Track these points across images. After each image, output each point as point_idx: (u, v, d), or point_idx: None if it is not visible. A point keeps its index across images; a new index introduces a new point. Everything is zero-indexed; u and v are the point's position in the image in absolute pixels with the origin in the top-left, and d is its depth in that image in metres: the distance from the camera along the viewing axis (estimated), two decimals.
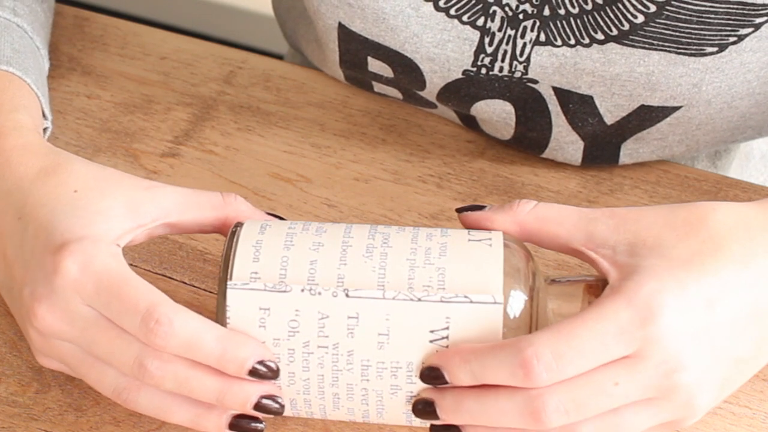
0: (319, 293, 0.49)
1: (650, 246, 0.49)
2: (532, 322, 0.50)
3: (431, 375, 0.49)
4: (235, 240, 0.51)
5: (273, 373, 0.49)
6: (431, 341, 0.49)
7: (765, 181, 0.81)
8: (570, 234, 0.51)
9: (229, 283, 0.50)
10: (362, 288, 0.49)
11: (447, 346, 0.49)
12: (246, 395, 0.50)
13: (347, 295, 0.49)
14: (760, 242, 0.50)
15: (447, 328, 0.49)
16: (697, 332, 0.48)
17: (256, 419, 0.51)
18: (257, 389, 0.50)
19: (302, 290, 0.49)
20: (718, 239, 0.50)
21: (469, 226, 0.54)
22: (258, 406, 0.50)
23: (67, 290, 0.50)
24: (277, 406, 0.50)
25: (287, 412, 0.52)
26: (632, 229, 0.50)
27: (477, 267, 0.50)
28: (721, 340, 0.49)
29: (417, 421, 0.51)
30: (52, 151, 0.56)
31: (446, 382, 0.49)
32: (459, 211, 0.54)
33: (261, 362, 0.49)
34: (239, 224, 0.52)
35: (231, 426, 0.51)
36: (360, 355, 0.49)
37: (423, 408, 0.50)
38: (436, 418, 0.50)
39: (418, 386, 0.50)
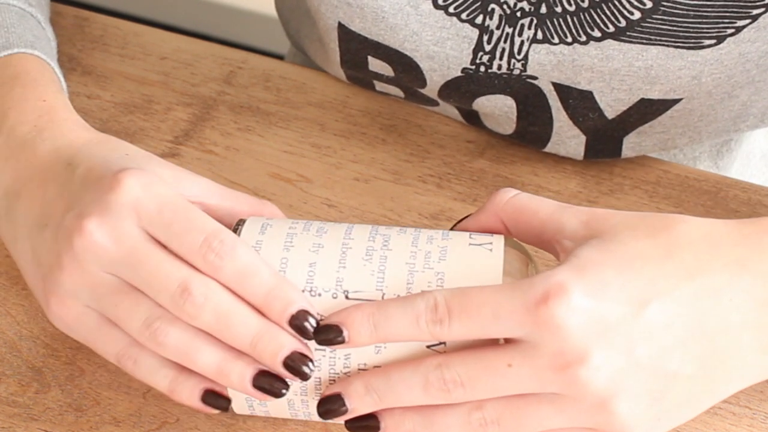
0: (320, 294, 0.49)
1: (603, 240, 0.48)
2: None
3: (327, 332, 0.48)
4: None
5: (312, 330, 0.48)
6: (428, 347, 0.49)
7: (766, 181, 0.81)
8: (543, 224, 0.51)
9: None
10: (362, 290, 0.49)
11: (444, 352, 0.49)
12: (280, 343, 0.48)
13: (347, 297, 0.49)
14: (720, 257, 0.48)
15: None
16: (607, 329, 0.46)
17: (282, 381, 0.49)
18: (293, 342, 0.48)
19: (302, 291, 0.49)
20: (673, 247, 0.48)
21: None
22: (288, 362, 0.48)
23: (124, 207, 0.49)
24: (307, 369, 0.48)
25: (284, 414, 0.52)
26: (598, 227, 0.49)
27: (476, 273, 0.49)
28: (644, 346, 0.46)
29: None
30: (99, 131, 0.57)
31: (342, 341, 0.48)
32: (452, 228, 0.55)
33: (306, 312, 0.48)
34: (241, 222, 0.52)
35: (255, 381, 0.49)
36: (357, 359, 0.49)
37: (329, 403, 0.49)
38: (345, 412, 0.49)
39: None
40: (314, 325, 0.48)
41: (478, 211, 0.53)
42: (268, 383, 0.49)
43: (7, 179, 0.56)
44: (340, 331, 0.48)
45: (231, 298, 0.49)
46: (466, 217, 0.54)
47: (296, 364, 0.48)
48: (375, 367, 0.49)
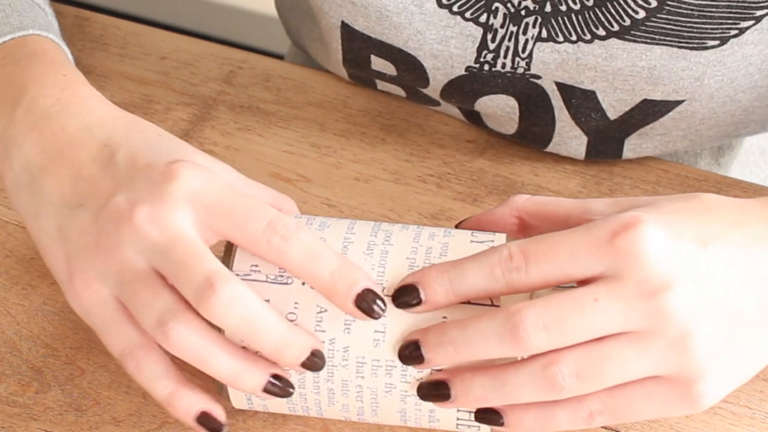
0: None
1: (642, 205, 0.49)
2: None
3: (404, 293, 0.48)
4: None
5: (379, 309, 0.48)
6: None
7: (765, 178, 0.81)
8: (568, 212, 0.51)
9: None
10: None
11: None
12: (307, 345, 0.48)
13: None
14: (752, 214, 0.50)
15: None
16: (684, 262, 0.46)
17: (290, 383, 0.50)
18: (311, 341, 0.49)
19: (303, 283, 0.50)
20: (709, 206, 0.49)
21: (471, 228, 0.54)
22: (307, 361, 0.49)
23: (180, 199, 0.49)
24: (320, 362, 0.49)
25: (283, 408, 0.52)
26: (628, 204, 0.50)
27: None
28: (713, 280, 0.47)
29: (411, 421, 0.51)
30: (120, 108, 0.56)
31: (420, 301, 0.48)
32: (458, 225, 0.55)
33: (370, 290, 0.48)
34: None
35: (267, 386, 0.49)
36: (355, 351, 0.49)
37: (409, 350, 0.48)
38: (421, 360, 0.48)
39: (413, 386, 0.50)
40: (381, 305, 0.48)
41: (494, 208, 0.54)
42: (279, 386, 0.49)
43: (30, 151, 0.54)
44: (418, 292, 0.48)
45: (264, 305, 0.48)
46: (471, 217, 0.54)
47: (313, 361, 0.49)
48: (373, 360, 0.49)
